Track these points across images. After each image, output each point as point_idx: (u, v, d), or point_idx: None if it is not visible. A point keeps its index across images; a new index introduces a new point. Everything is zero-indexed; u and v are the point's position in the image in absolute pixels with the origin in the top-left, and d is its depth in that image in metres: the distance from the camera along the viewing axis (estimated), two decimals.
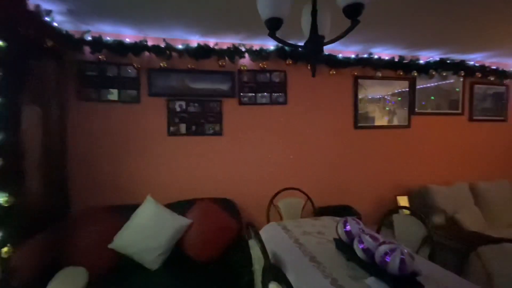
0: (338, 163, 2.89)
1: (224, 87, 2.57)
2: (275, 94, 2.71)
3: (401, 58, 2.86)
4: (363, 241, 1.26)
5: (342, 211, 2.72)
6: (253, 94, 2.65)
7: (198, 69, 2.49)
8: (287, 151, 2.78)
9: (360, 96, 2.90)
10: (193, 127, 2.53)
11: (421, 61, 2.95)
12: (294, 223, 1.98)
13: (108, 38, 2.20)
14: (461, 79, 3.16)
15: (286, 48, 2.59)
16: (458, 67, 3.02)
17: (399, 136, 3.05)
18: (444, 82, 3.13)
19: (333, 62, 2.71)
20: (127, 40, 2.25)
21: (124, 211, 2.08)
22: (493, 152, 3.40)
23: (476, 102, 3.26)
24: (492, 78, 3.20)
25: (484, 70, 3.11)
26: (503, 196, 2.95)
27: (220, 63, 2.47)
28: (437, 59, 2.99)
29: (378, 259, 1.15)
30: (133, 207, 2.10)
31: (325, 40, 1.19)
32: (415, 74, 2.93)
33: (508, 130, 3.44)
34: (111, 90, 2.32)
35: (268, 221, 2.21)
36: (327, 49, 2.74)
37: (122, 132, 2.36)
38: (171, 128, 2.47)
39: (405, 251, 1.10)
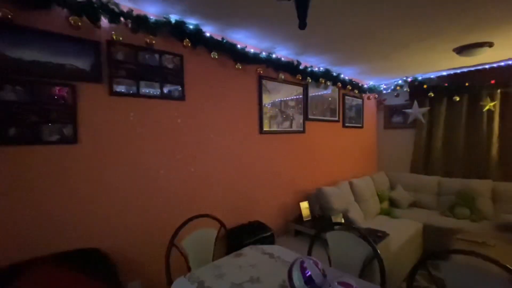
0: (245, 173, 2.49)
1: (81, 64, 1.58)
2: (169, 86, 1.97)
3: (298, 63, 2.85)
4: None
5: (255, 229, 2.33)
6: (134, 82, 1.79)
7: (25, 25, 1.39)
8: (186, 163, 2.08)
9: (264, 98, 2.63)
10: (12, 130, 1.38)
11: (314, 69, 3.07)
12: (212, 271, 1.35)
13: None
14: (337, 90, 3.58)
15: (189, 25, 1.93)
16: (337, 79, 3.38)
17: (297, 142, 3.03)
18: (326, 92, 3.43)
19: (240, 54, 2.29)
20: None
21: None
22: (358, 153, 4.08)
23: (346, 111, 3.79)
24: (356, 91, 3.82)
25: (352, 84, 3.65)
26: (369, 189, 3.51)
27: (73, 22, 1.47)
28: (323, 69, 3.21)
29: None
30: None
31: None
32: (309, 80, 3.00)
33: (364, 135, 4.25)
34: None
35: (169, 274, 1.44)
36: (235, 39, 2.31)
37: None
38: None
39: None
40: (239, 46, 2.28)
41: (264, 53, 2.51)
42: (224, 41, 2.19)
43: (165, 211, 1.95)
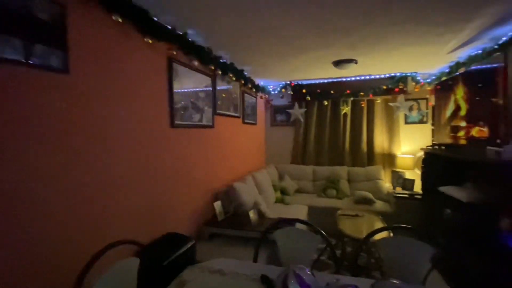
0: (155, 175, 2.01)
1: None
2: (41, 47, 1.24)
3: (210, 50, 2.60)
4: None
5: (174, 242, 1.92)
6: None
7: None
8: (73, 171, 1.40)
9: (174, 85, 2.21)
10: None
11: (223, 60, 2.91)
12: None
13: None
14: (239, 86, 3.60)
15: None
16: (241, 75, 3.39)
17: (207, 137, 2.79)
18: (229, 87, 3.36)
19: (152, 25, 1.79)
20: None
21: None
22: (254, 148, 4.29)
23: (245, 109, 3.89)
24: (253, 90, 3.99)
25: (251, 81, 3.78)
26: (267, 181, 3.77)
27: None
28: (228, 62, 3.12)
29: None
30: None
31: None
32: (219, 72, 2.82)
33: (258, 131, 4.53)
34: None
35: None
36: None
37: None
38: None
39: None
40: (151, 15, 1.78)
41: (177, 31, 2.11)
42: (133, 3, 1.64)
43: (59, 240, 1.23)
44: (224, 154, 3.18)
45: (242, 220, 2.59)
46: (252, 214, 2.60)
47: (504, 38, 2.30)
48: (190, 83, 2.45)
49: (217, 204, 2.66)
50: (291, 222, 1.74)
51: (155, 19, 1.85)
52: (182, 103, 2.33)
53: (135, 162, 1.80)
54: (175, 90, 2.21)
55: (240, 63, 3.22)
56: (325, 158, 4.58)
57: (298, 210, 3.48)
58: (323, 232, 1.47)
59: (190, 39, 2.27)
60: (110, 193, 1.61)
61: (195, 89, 2.54)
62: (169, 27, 2.01)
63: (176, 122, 2.23)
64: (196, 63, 2.38)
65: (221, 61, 2.85)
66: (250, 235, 2.42)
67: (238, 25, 2.10)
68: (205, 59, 2.54)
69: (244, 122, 3.83)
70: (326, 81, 4.37)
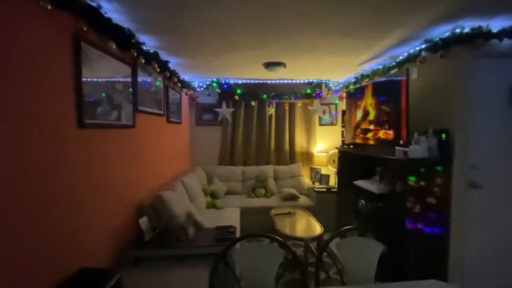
0: (56, 194, 1.45)
1: None
2: None
3: (132, 33, 2.11)
4: None
5: (90, 283, 1.44)
6: None
7: None
8: None
9: (84, 73, 1.67)
10: None
11: (147, 48, 2.43)
12: None
13: None
14: (162, 80, 3.13)
15: None
16: (165, 67, 2.94)
17: (127, 140, 2.28)
18: (150, 79, 2.86)
19: None
20: None
21: None
22: (179, 150, 3.87)
23: (170, 106, 3.44)
24: (179, 85, 3.57)
25: (176, 75, 3.36)
26: (197, 186, 3.45)
27: None
28: (152, 51, 2.64)
29: None
30: None
31: None
32: (142, 61, 2.34)
33: (183, 131, 4.11)
34: None
35: None
36: None
37: None
38: None
39: None
40: None
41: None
42: None
43: None
44: (148, 160, 2.70)
45: (176, 236, 2.25)
46: (188, 227, 2.29)
47: (400, 57, 2.83)
48: (105, 71, 1.91)
49: (143, 221, 2.21)
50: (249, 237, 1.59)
51: None
52: (95, 96, 1.79)
53: (21, 182, 1.23)
54: (84, 79, 1.66)
55: (167, 53, 2.80)
56: (252, 158, 4.61)
57: (232, 214, 3.35)
58: (288, 245, 1.39)
59: (105, 15, 1.76)
60: None
61: (111, 80, 2.01)
62: None
63: (87, 121, 1.69)
64: (113, 45, 1.87)
65: (144, 48, 2.39)
66: (186, 253, 2.12)
67: (170, 7, 1.77)
68: (125, 43, 2.04)
69: (168, 121, 3.38)
70: (253, 81, 4.40)
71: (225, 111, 4.35)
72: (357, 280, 1.30)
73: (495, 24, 2.11)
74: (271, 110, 4.55)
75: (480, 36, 2.12)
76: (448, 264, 2.29)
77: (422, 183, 2.23)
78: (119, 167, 2.11)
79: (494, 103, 2.23)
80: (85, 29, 1.57)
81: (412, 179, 2.23)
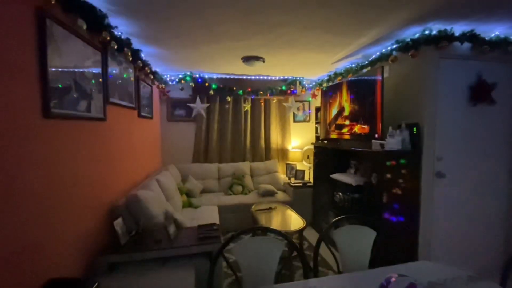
0: (13, 197, 1.23)
1: None
2: None
3: (103, 13, 1.89)
4: None
5: None
6: None
7: None
8: None
9: (50, 56, 1.44)
10: None
11: (118, 33, 2.20)
12: None
13: None
14: (133, 71, 2.88)
15: None
16: (138, 57, 2.72)
17: (98, 133, 2.05)
18: (121, 68, 2.62)
19: None
20: None
21: None
22: (151, 147, 3.61)
23: (141, 99, 3.19)
24: (151, 77, 3.33)
25: (148, 66, 3.12)
26: (172, 184, 3.26)
27: None
28: (124, 37, 2.41)
29: None
30: None
31: None
32: (115, 46, 2.12)
33: (154, 127, 3.85)
34: None
35: None
36: None
37: None
38: None
39: None
40: None
41: None
42: None
43: None
44: (120, 156, 2.46)
45: (154, 238, 2.09)
46: (168, 228, 2.14)
47: (373, 56, 2.99)
48: (73, 54, 1.68)
49: (118, 223, 2.01)
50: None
51: None
52: (62, 82, 1.57)
53: None
54: (50, 62, 1.44)
55: (140, 41, 2.59)
56: (228, 155, 4.52)
57: (210, 212, 3.24)
58: (289, 237, 1.36)
59: None
60: None
61: (80, 65, 1.78)
62: None
63: (54, 110, 1.47)
64: (84, 25, 1.66)
65: (116, 33, 2.17)
66: (168, 254, 1.98)
67: None
68: (96, 24, 1.82)
69: (140, 116, 3.13)
70: (229, 77, 4.30)
71: (199, 106, 4.19)
72: (353, 268, 1.33)
73: (458, 28, 2.33)
74: (247, 106, 4.50)
75: (445, 38, 2.32)
76: (418, 248, 2.48)
77: (396, 174, 2.38)
78: (88, 165, 1.88)
79: (457, 100, 2.47)
80: (53, 2, 1.35)
81: (387, 170, 2.37)
